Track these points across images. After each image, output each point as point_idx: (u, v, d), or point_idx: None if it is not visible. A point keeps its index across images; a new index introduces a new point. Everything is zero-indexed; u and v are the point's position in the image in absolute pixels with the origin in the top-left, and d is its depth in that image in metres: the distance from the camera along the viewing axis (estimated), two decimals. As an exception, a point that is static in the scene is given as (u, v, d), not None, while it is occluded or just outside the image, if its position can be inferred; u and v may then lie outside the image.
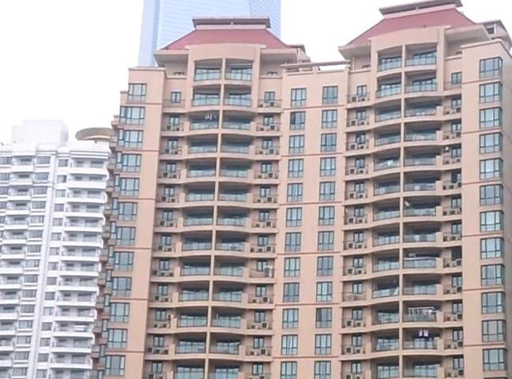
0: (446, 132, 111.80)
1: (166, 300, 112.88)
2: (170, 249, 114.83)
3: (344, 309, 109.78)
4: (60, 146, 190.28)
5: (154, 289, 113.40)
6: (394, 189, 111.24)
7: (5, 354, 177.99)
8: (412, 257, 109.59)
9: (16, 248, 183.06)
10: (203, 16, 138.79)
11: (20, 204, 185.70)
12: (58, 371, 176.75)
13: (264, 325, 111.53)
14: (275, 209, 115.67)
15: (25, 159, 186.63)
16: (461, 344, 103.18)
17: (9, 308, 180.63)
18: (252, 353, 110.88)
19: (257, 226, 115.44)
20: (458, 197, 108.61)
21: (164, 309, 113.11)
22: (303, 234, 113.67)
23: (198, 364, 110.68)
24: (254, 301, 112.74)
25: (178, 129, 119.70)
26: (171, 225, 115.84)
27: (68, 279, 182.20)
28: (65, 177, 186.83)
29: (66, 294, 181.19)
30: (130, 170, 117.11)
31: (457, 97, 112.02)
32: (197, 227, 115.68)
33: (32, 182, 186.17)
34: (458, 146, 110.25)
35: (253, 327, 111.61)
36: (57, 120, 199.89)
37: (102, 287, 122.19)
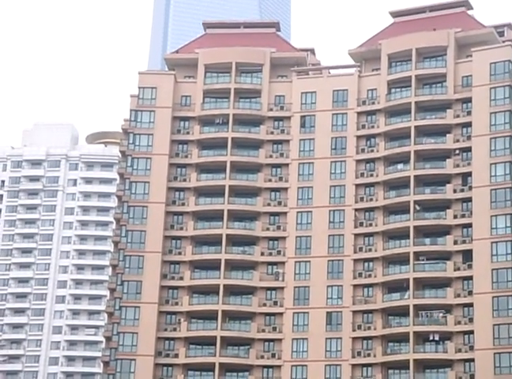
0: (457, 135, 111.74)
1: (176, 304, 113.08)
2: (180, 253, 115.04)
3: (355, 312, 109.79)
4: (70, 150, 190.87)
5: (164, 293, 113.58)
6: (404, 193, 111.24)
7: (16, 357, 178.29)
8: (423, 260, 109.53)
9: (26, 252, 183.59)
10: (213, 20, 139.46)
11: (31, 207, 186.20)
12: (69, 375, 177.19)
13: (274, 329, 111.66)
14: (285, 213, 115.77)
15: (36, 163, 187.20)
16: (472, 348, 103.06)
17: (19, 311, 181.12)
18: (262, 357, 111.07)
19: (268, 229, 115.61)
20: (469, 200, 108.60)
21: (174, 313, 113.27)
22: (313, 237, 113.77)
23: (208, 368, 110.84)
24: (265, 304, 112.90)
25: (188, 133, 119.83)
26: (181, 229, 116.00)
27: (78, 282, 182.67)
28: (75, 181, 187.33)
29: (77, 298, 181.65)
30: (140, 174, 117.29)
31: (468, 100, 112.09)
32: (208, 231, 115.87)
33: (43, 186, 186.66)
34: (469, 149, 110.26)
35: (263, 330, 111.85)
36: (67, 124, 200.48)
37: (112, 290, 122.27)
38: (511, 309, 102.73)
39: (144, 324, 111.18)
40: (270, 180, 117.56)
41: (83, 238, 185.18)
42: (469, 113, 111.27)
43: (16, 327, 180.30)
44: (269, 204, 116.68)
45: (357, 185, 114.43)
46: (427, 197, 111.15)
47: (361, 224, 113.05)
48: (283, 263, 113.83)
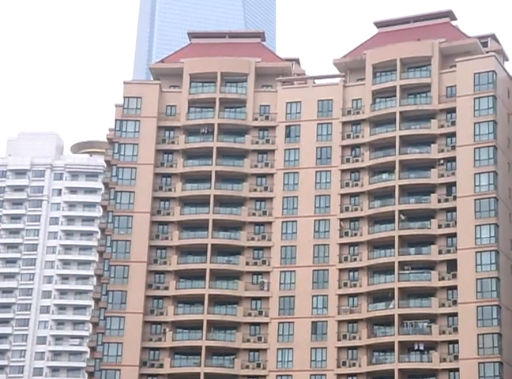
0: (441, 145, 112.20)
1: (161, 314, 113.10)
2: (165, 263, 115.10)
3: (340, 322, 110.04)
4: (55, 159, 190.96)
5: (149, 302, 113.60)
6: (389, 203, 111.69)
7: (0, 368, 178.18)
8: (408, 270, 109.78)
9: (11, 261, 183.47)
10: (198, 30, 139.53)
11: (15, 217, 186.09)
12: None
13: (259, 339, 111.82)
14: (270, 222, 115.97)
15: (20, 173, 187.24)
16: (456, 357, 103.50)
17: (3, 321, 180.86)
18: (247, 367, 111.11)
19: (253, 239, 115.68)
20: (453, 210, 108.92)
21: (160, 323, 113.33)
22: (298, 247, 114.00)
23: (194, 378, 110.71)
24: (250, 314, 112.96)
25: (173, 143, 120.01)
26: (167, 238, 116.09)
27: (63, 292, 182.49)
28: (60, 190, 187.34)
29: (61, 308, 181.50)
30: (125, 184, 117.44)
31: (452, 110, 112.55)
32: (193, 241, 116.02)
33: (27, 196, 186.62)
34: (453, 159, 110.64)
35: (248, 340, 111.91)
36: (52, 133, 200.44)
37: (97, 300, 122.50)
38: (495, 319, 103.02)
39: (129, 334, 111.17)
40: (255, 190, 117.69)
41: (68, 248, 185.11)
42: (454, 123, 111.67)
43: (1, 337, 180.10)
44: (254, 214, 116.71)
45: (342, 195, 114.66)
46: (411, 207, 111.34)
47: (346, 234, 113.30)
48: (268, 272, 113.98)
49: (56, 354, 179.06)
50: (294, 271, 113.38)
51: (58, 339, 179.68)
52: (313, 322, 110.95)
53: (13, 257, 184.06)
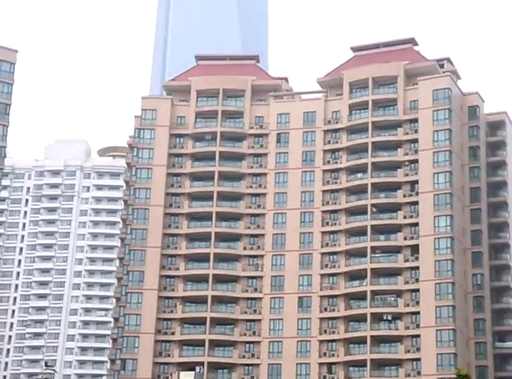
0: (406, 149, 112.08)
1: (173, 290, 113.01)
2: (176, 248, 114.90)
3: (322, 297, 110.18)
4: (84, 162, 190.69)
5: (163, 281, 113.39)
6: (363, 197, 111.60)
7: (39, 334, 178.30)
8: (378, 253, 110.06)
9: (48, 246, 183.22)
10: (203, 54, 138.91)
11: (51, 210, 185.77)
12: (83, 349, 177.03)
13: (255, 311, 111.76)
14: (264, 214, 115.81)
15: (55, 173, 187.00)
16: (418, 326, 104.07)
17: (42, 296, 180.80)
18: (245, 334, 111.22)
19: (249, 228, 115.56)
20: (416, 203, 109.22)
21: (171, 298, 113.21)
22: (287, 234, 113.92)
23: (200, 343, 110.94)
24: (247, 290, 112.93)
25: (182, 147, 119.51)
26: (177, 227, 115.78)
27: (91, 272, 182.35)
28: (88, 187, 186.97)
29: (90, 285, 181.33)
30: (143, 182, 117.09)
31: (415, 120, 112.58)
32: (199, 229, 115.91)
33: (61, 192, 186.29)
34: (416, 161, 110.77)
35: (245, 312, 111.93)
36: (81, 140, 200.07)
37: (119, 279, 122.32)
38: (450, 294, 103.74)
39: (146, 307, 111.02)
40: (251, 187, 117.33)
41: (95, 235, 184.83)
42: (416, 131, 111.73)
43: (40, 309, 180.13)
44: (250, 207, 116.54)
45: (324, 191, 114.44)
46: (381, 201, 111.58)
47: (327, 223, 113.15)
48: (262, 256, 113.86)
49: (85, 323, 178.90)
50: (284, 254, 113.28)
51: (87, 311, 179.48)
52: (299, 297, 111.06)
53: (50, 243, 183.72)
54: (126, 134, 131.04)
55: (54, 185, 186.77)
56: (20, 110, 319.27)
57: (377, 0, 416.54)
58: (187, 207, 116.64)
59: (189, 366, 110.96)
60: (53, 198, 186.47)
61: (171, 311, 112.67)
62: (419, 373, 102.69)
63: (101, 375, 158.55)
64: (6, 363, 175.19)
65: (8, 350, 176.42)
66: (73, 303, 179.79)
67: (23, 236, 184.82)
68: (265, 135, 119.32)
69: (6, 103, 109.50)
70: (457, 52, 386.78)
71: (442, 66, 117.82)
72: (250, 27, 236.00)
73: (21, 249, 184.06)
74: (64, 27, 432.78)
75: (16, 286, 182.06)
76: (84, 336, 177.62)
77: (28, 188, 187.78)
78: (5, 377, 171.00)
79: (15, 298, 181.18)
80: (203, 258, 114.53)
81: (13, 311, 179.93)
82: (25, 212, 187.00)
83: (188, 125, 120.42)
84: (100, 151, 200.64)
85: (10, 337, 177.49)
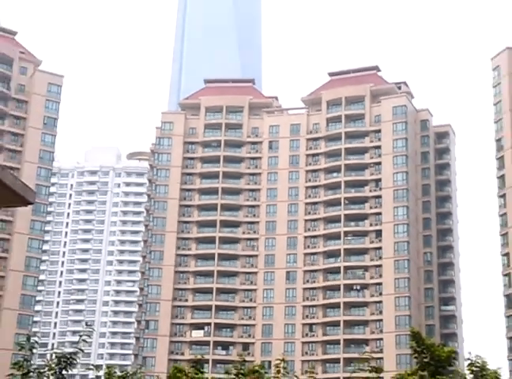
0: (372, 154, 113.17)
1: (186, 266, 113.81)
2: (189, 232, 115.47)
3: (305, 271, 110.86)
4: (115, 164, 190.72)
5: (178, 259, 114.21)
6: (338, 192, 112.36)
7: (81, 301, 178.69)
8: (350, 236, 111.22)
9: (86, 231, 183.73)
10: (210, 78, 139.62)
11: (90, 202, 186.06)
12: (116, 312, 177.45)
13: (251, 282, 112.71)
14: (258, 205, 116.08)
15: (93, 172, 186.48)
16: (381, 294, 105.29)
17: (82, 271, 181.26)
18: (243, 301, 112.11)
19: (247, 216, 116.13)
20: (380, 197, 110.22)
21: (185, 272, 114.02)
22: (277, 222, 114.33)
23: (208, 308, 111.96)
24: (245, 266, 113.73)
25: (194, 153, 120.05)
26: (190, 216, 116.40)
27: (121, 251, 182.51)
28: (119, 184, 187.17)
29: (120, 262, 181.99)
30: (162, 180, 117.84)
31: (379, 131, 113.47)
32: (207, 218, 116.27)
33: (97, 188, 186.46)
34: (379, 163, 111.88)
35: (244, 284, 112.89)
36: (113, 147, 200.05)
37: (144, 257, 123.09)
38: (406, 268, 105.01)
39: (165, 279, 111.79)
40: (248, 183, 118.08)
41: (124, 222, 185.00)
42: (379, 139, 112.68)
43: (81, 280, 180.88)
44: (247, 200, 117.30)
45: (306, 187, 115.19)
46: (352, 195, 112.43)
47: (309, 213, 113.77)
48: (257, 239, 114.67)
49: (117, 292, 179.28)
50: (275, 238, 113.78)
51: (118, 282, 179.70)
52: (287, 272, 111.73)
53: (89, 228, 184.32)
54: (149, 141, 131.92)
55: (92, 183, 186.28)
56: (65, 121, 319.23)
57: (352, 31, 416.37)
58: (197, 200, 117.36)
59: (199, 326, 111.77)
60: (91, 193, 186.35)
61: (185, 282, 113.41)
62: (381, 331, 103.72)
63: (129, 333, 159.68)
64: (55, 323, 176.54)
65: (56, 312, 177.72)
66: (107, 276, 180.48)
67: (67, 223, 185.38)
68: (259, 142, 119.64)
69: (54, 117, 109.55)
70: (412, 75, 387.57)
71: (399, 88, 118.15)
72: (248, 54, 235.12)
73: (66, 233, 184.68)
74: (99, 50, 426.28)
75: (63, 262, 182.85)
76: (116, 302, 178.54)
77: (72, 185, 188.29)
78: (54, 333, 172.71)
79: (62, 272, 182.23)
80: (210, 241, 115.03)
81: (60, 282, 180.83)
82: (69, 204, 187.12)
83: (198, 134, 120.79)
84: (128, 156, 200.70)
85: (58, 303, 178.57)
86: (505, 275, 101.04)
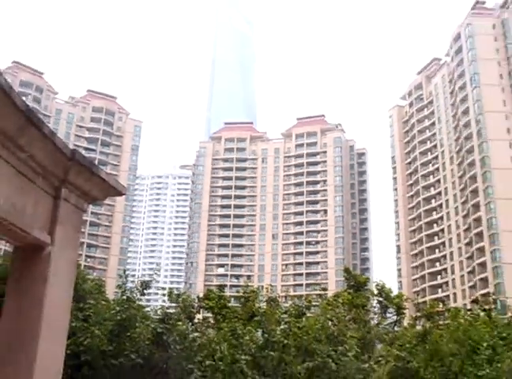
0: (322, 165, 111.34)
1: (214, 231, 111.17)
2: (215, 211, 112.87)
3: (283, 234, 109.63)
4: (174, 173, 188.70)
5: (209, 226, 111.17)
6: (302, 187, 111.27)
7: (153, 251, 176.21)
8: (309, 213, 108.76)
9: (156, 211, 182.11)
10: (228, 120, 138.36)
11: (158, 194, 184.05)
12: (173, 258, 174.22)
13: (251, 241, 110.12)
14: (255, 195, 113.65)
15: (159, 176, 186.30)
16: (326, 246, 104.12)
17: (154, 233, 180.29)
18: (247, 251, 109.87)
19: (249, 201, 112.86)
20: (326, 190, 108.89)
21: (213, 234, 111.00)
22: (267, 204, 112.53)
23: (226, 256, 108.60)
24: (248, 231, 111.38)
25: (217, 165, 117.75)
26: (215, 202, 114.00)
27: (176, 223, 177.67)
28: (178, 184, 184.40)
29: (176, 228, 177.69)
30: (200, 181, 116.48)
31: (325, 152, 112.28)
32: (226, 202, 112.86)
33: (162, 186, 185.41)
34: (326, 171, 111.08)
35: (247, 241, 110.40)
36: (171, 162, 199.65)
37: (189, 226, 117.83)
38: (341, 232, 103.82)
39: (201, 239, 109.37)
40: (250, 182, 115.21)
41: (178, 205, 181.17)
42: (326, 156, 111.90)
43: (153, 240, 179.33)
44: (249, 192, 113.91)
45: (284, 185, 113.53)
46: (311, 189, 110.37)
47: (285, 199, 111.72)
48: (255, 215, 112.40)
49: (174, 246, 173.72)
50: (265, 214, 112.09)
51: (174, 241, 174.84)
52: (272, 234, 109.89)
53: (158, 209, 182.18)
54: (192, 158, 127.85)
55: (159, 183, 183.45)
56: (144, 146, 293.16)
57: (309, 90, 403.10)
58: (220, 191, 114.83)
59: (221, 265, 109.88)
60: (158, 188, 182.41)
61: (213, 240, 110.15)
62: (327, 268, 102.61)
63: (181, 269, 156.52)
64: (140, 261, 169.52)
65: (140, 252, 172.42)
66: (171, 240, 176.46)
67: (144, 211, 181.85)
68: (256, 159, 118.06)
69: (137, 145, 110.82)
70: (344, 118, 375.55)
71: (337, 127, 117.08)
72: (248, 102, 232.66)
73: (144, 213, 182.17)
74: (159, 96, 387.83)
75: (142, 229, 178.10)
76: (174, 253, 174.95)
77: (147, 185, 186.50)
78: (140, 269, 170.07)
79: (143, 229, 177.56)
80: (227, 216, 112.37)
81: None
82: (146, 196, 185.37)
83: (220, 154, 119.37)
84: (181, 167, 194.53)
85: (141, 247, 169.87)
86: (396, 234, 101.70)
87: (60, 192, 5.72)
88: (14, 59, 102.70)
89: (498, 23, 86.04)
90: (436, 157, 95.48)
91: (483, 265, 76.72)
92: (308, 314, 27.10)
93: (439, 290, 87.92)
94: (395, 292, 34.62)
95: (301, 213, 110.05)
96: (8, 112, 4.72)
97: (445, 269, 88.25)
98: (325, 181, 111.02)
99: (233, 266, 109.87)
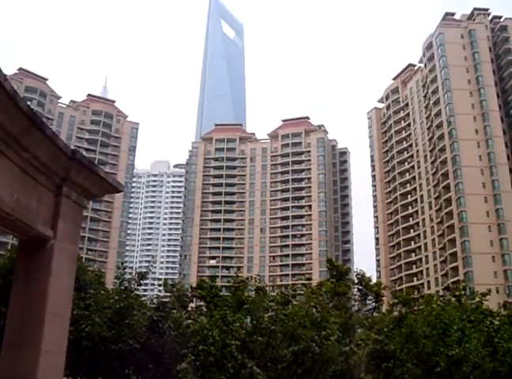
0: (306, 164, 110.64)
1: (205, 225, 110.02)
2: (207, 207, 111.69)
3: (270, 228, 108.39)
4: (167, 171, 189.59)
5: (201, 221, 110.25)
6: (288, 183, 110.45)
7: (149, 244, 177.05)
8: (294, 208, 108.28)
9: (152, 207, 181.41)
10: (218, 122, 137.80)
11: (154, 191, 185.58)
12: (168, 250, 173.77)
13: (241, 234, 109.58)
14: (244, 192, 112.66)
15: (155, 175, 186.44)
16: (311, 239, 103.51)
17: (150, 228, 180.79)
18: (237, 244, 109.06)
19: (238, 198, 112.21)
20: (310, 187, 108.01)
21: (205, 229, 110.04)
22: (255, 200, 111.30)
23: (218, 248, 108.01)
24: (237, 225, 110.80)
25: (209, 164, 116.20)
26: (207, 198, 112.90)
27: (171, 218, 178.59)
28: (172, 181, 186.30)
29: (171, 223, 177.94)
30: (192, 178, 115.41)
31: (309, 151, 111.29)
32: (217, 198, 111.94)
33: (158, 183, 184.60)
34: (310, 169, 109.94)
35: (237, 235, 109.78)
36: (165, 161, 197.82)
37: (183, 220, 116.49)
38: (324, 225, 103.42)
39: (194, 233, 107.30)
40: (239, 180, 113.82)
41: (172, 202, 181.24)
42: (310, 155, 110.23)
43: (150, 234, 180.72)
44: (238, 189, 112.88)
45: (271, 182, 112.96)
46: (296, 186, 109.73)
47: (272, 196, 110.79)
48: (244, 210, 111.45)
49: (169, 240, 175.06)
50: (253, 209, 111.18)
51: (170, 234, 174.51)
52: (261, 228, 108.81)
53: (154, 205, 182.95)
54: (185, 157, 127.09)
55: (154, 181, 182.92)
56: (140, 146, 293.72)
57: (295, 92, 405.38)
58: (212, 188, 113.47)
59: (213, 257, 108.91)
60: (153, 186, 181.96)
61: (205, 234, 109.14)
62: (311, 258, 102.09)
63: (176, 261, 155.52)
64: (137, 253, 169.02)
65: (138, 246, 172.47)
66: (166, 234, 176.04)
67: (141, 207, 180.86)
68: (245, 158, 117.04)
69: (134, 145, 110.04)
70: (328, 118, 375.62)
71: (320, 127, 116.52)
72: (237, 104, 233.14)
73: (141, 209, 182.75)
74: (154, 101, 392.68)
75: (139, 224, 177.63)
76: (169, 246, 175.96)
77: (143, 182, 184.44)
78: (136, 261, 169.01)
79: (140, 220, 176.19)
80: (218, 211, 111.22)
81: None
82: (142, 193, 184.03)
83: (211, 153, 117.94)
84: (174, 166, 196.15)
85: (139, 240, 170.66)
86: (375, 227, 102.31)
87: (62, 189, 5.78)
88: (20, 66, 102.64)
89: (465, 33, 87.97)
90: (412, 156, 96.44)
91: (454, 255, 78.05)
92: (294, 302, 27.37)
93: (415, 278, 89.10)
94: (374, 281, 35.27)
95: (287, 208, 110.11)
96: (13, 115, 4.78)
97: (420, 259, 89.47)
98: (309, 178, 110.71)
99: (224, 258, 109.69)
